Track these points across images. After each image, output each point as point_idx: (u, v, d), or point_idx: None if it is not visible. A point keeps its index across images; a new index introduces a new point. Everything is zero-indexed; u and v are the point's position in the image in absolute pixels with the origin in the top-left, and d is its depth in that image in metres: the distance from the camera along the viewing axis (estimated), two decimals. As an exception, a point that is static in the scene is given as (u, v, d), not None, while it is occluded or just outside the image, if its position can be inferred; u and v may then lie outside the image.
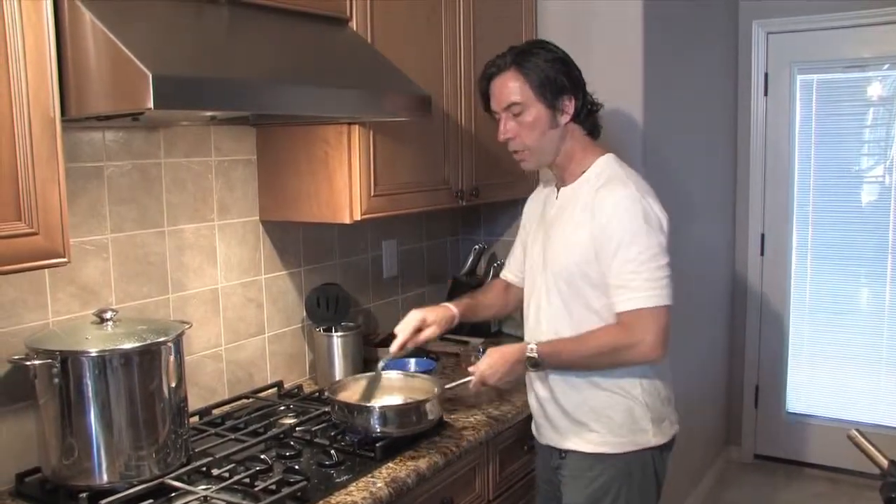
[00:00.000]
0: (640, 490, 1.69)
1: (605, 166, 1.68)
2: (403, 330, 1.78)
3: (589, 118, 1.70)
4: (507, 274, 2.00)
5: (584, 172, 1.69)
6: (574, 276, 1.64)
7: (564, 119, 1.66)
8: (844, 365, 3.61)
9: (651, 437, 1.69)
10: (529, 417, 1.86)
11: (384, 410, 1.66)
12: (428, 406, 1.69)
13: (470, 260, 2.68)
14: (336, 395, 1.73)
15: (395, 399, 1.78)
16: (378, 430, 1.64)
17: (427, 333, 1.80)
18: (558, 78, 1.62)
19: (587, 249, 1.61)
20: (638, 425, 1.68)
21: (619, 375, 1.66)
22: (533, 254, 1.79)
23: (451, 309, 1.86)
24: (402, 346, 1.78)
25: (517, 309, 1.95)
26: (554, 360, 1.65)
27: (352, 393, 1.79)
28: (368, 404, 1.70)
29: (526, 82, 1.62)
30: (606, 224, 1.59)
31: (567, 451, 1.72)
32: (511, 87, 1.63)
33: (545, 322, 1.72)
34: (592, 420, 1.68)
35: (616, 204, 1.59)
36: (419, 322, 1.79)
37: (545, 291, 1.71)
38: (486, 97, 1.71)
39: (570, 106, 1.65)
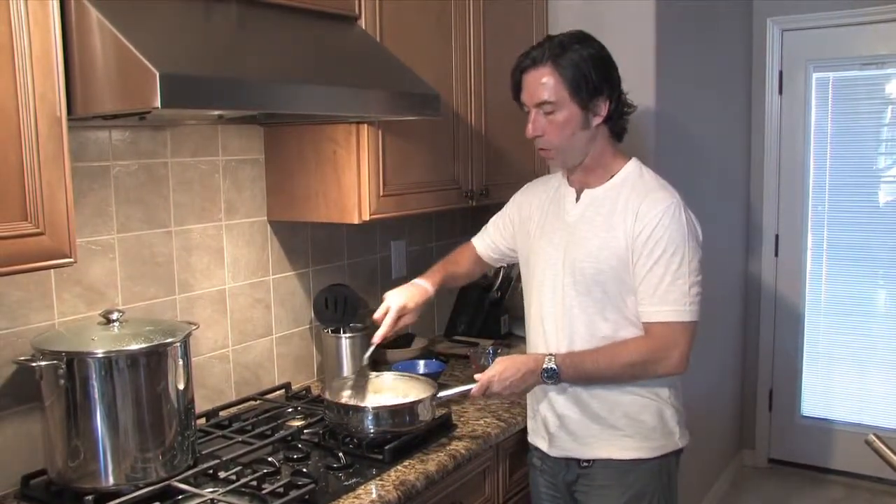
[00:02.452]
0: (668, 494, 1.67)
1: (637, 172, 1.64)
2: (387, 321, 1.74)
3: (619, 121, 1.63)
4: (480, 246, 1.93)
5: (612, 177, 1.64)
6: (609, 281, 1.58)
7: (596, 121, 1.59)
8: (861, 368, 3.56)
9: (678, 440, 1.68)
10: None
11: (377, 411, 1.64)
12: (420, 407, 1.66)
13: (480, 261, 2.66)
14: (327, 396, 1.72)
15: (389, 400, 1.76)
16: (371, 430, 1.62)
17: (406, 320, 1.78)
18: (595, 78, 1.55)
19: (624, 253, 1.57)
20: (668, 428, 1.65)
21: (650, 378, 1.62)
22: (545, 253, 1.69)
23: (427, 290, 1.81)
24: (385, 337, 1.75)
25: (477, 277, 2.01)
26: (574, 373, 1.58)
27: (343, 393, 1.78)
28: (362, 404, 1.69)
29: (561, 80, 1.54)
30: (652, 231, 1.54)
31: (592, 461, 1.66)
32: (545, 85, 1.55)
33: (577, 329, 1.62)
34: (626, 425, 1.62)
35: (663, 212, 1.55)
36: (401, 310, 1.75)
37: (575, 295, 1.62)
38: (517, 88, 1.63)
39: (603, 108, 1.58)
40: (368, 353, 1.79)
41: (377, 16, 1.85)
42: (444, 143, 2.11)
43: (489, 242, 1.92)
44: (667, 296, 1.54)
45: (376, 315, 1.77)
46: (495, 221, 1.92)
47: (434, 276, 1.86)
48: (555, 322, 1.66)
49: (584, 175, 1.67)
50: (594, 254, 1.60)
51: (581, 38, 1.58)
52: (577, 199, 1.67)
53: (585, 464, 1.67)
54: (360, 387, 1.80)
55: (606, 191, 1.63)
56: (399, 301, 1.76)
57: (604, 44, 1.62)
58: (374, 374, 1.84)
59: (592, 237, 1.61)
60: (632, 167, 1.65)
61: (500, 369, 1.59)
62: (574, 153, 1.62)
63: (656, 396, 1.64)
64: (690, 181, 2.84)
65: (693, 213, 1.62)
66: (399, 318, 1.75)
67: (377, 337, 1.75)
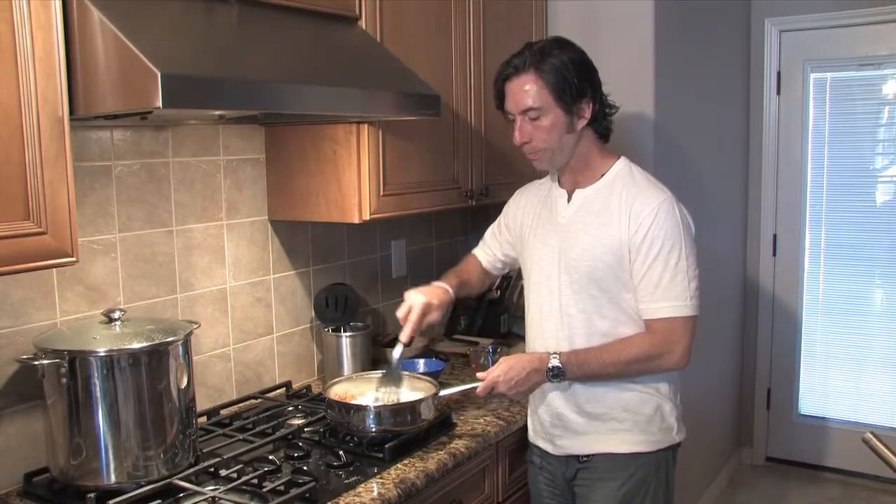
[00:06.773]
0: (665, 487, 1.69)
1: (626, 170, 1.66)
2: (412, 319, 1.70)
3: (603, 122, 1.66)
4: (483, 257, 1.94)
5: (602, 175, 1.66)
6: (606, 278, 1.60)
7: (581, 123, 1.61)
8: (858, 367, 3.57)
9: (675, 435, 1.70)
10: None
11: (379, 409, 1.64)
12: (421, 406, 1.66)
13: (479, 260, 2.66)
14: (329, 393, 1.73)
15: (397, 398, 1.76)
16: (373, 428, 1.63)
17: (432, 317, 1.74)
18: (578, 82, 1.57)
19: (619, 249, 1.58)
20: (666, 422, 1.68)
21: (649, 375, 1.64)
22: (540, 255, 1.71)
23: (447, 290, 1.79)
24: (412, 336, 1.72)
25: (486, 288, 2.00)
26: (578, 371, 1.59)
27: (358, 391, 1.78)
28: (364, 403, 1.69)
29: (545, 87, 1.56)
30: (648, 228, 1.56)
31: (591, 456, 1.68)
32: (528, 91, 1.58)
33: (575, 328, 1.64)
34: (625, 419, 1.65)
35: (657, 209, 1.57)
36: (425, 307, 1.72)
37: (571, 294, 1.64)
38: (500, 96, 1.66)
39: (587, 110, 1.61)
40: (398, 354, 1.75)
41: (377, 16, 1.86)
42: (444, 143, 2.12)
43: (490, 252, 1.94)
44: (668, 292, 1.56)
45: (399, 314, 1.73)
46: (492, 230, 1.94)
47: (450, 280, 1.85)
48: (553, 322, 1.68)
49: (573, 176, 1.69)
50: (588, 251, 1.62)
51: (561, 44, 1.61)
52: (569, 199, 1.69)
53: (585, 458, 1.69)
54: (391, 391, 1.76)
55: (598, 189, 1.66)
56: (422, 298, 1.72)
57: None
58: (375, 373, 1.84)
59: (585, 235, 1.63)
60: (621, 165, 1.67)
61: (505, 369, 1.60)
62: (561, 155, 1.65)
63: (656, 391, 1.66)
64: (689, 181, 2.86)
65: (685, 208, 1.64)
66: (423, 315, 1.72)
67: (404, 336, 1.71)
